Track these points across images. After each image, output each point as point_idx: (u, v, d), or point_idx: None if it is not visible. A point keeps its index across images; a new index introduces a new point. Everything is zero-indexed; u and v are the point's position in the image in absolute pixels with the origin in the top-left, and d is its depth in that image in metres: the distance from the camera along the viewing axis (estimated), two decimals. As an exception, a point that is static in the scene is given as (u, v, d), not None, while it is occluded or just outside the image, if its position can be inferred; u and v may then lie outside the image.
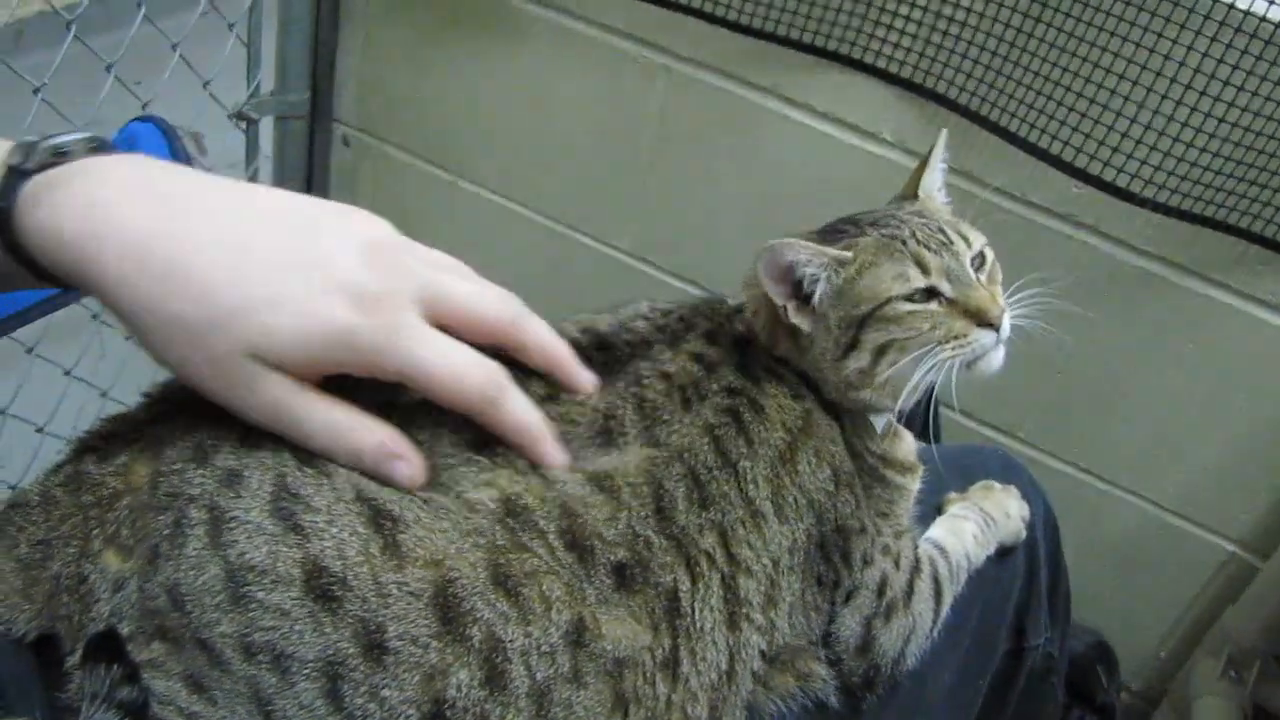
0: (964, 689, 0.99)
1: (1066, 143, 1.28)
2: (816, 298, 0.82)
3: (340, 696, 0.62)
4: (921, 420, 0.94)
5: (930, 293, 0.82)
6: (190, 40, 1.58)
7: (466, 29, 1.64)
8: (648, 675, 0.72)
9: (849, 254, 0.82)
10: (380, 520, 0.65)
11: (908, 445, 0.89)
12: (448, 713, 0.64)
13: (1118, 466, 1.44)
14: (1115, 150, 1.25)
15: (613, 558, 0.70)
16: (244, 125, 1.77)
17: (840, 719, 0.87)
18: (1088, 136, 1.26)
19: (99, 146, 0.67)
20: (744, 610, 0.76)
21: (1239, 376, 1.33)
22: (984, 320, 0.82)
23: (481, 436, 0.71)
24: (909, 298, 0.81)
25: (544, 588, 0.67)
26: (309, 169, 1.88)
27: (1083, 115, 1.26)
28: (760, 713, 0.81)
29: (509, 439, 0.69)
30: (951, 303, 0.82)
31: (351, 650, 0.62)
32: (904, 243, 0.83)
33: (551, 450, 0.71)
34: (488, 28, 1.62)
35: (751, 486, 0.77)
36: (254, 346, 0.63)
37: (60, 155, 0.65)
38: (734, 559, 0.75)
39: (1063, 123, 1.27)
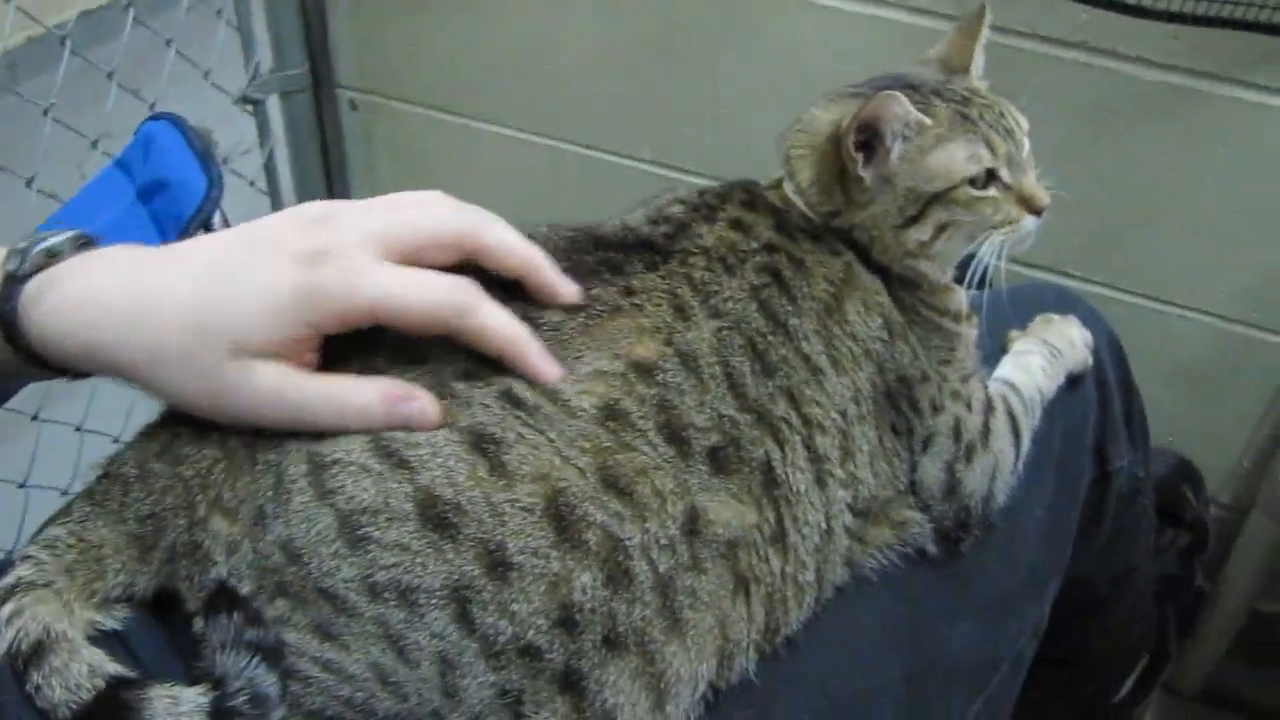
0: (1056, 520, 1.00)
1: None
2: (894, 157, 0.82)
3: (471, 619, 0.65)
4: (972, 270, 0.94)
5: (990, 175, 0.83)
6: (183, 36, 1.58)
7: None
8: (760, 552, 0.74)
9: (929, 120, 0.82)
10: (483, 445, 0.67)
11: (959, 295, 0.90)
12: (577, 616, 0.66)
13: (1174, 285, 1.44)
14: (1120, -34, 1.23)
15: (706, 443, 0.72)
16: (250, 108, 1.77)
17: (940, 564, 0.89)
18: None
19: (85, 243, 0.72)
20: (826, 467, 0.77)
21: (1277, 172, 1.32)
22: (1033, 207, 0.85)
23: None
24: (974, 181, 0.83)
25: (656, 483, 0.69)
26: (322, 139, 1.89)
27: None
28: (861, 568, 0.83)
29: (493, 350, 0.69)
30: (1007, 188, 0.84)
31: (476, 572, 0.64)
32: (975, 122, 0.84)
33: (539, 363, 0.69)
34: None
35: (805, 343, 0.79)
36: (233, 342, 0.65)
37: (52, 257, 0.70)
38: (807, 420, 0.77)
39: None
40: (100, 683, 0.64)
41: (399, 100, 1.81)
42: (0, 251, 0.72)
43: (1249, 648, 1.49)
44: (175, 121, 1.28)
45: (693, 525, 0.70)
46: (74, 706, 0.64)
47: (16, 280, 0.70)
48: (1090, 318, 1.06)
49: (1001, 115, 0.86)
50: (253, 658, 0.64)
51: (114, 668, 0.65)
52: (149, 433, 0.73)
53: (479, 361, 0.70)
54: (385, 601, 0.64)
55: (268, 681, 0.64)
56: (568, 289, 0.73)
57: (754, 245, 0.82)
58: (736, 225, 0.84)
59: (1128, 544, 1.17)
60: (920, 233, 0.84)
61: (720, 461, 0.72)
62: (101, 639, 0.68)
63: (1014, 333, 1.01)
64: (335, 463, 0.66)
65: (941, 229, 0.84)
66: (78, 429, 1.45)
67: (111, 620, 0.69)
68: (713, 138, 1.58)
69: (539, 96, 1.69)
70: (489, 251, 0.71)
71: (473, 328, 0.68)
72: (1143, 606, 1.32)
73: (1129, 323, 1.25)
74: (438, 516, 0.64)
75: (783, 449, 0.75)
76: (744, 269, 0.81)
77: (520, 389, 0.70)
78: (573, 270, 0.77)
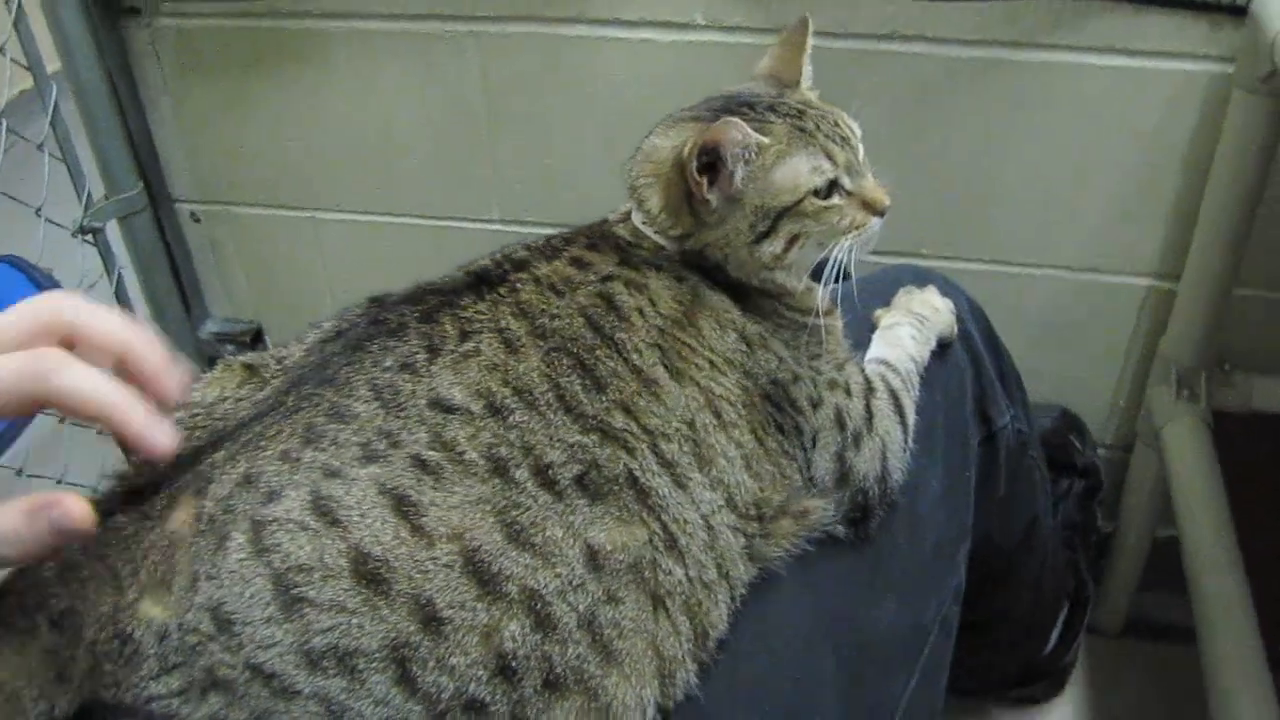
0: (953, 486, 1.03)
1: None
2: (737, 179, 0.85)
3: (413, 679, 0.65)
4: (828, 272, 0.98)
5: (833, 185, 0.87)
6: (6, 175, 1.55)
7: (269, 65, 1.63)
8: (662, 565, 0.75)
9: (767, 139, 0.85)
10: (404, 508, 0.68)
11: (817, 292, 0.93)
12: (513, 663, 0.67)
13: (1021, 247, 1.49)
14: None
15: (570, 474, 0.74)
16: (91, 238, 1.74)
17: (853, 552, 0.91)
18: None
19: None
20: (680, 471, 0.79)
21: (1097, 124, 1.38)
22: (876, 209, 0.89)
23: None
24: (819, 192, 0.86)
25: (548, 532, 0.71)
26: (169, 256, 1.85)
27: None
28: (770, 561, 0.85)
29: (92, 415, 0.61)
30: (850, 194, 0.88)
31: (411, 628, 0.65)
32: (812, 135, 0.87)
33: (144, 430, 0.61)
34: (291, 57, 1.61)
35: (636, 356, 0.81)
36: None
37: None
38: (648, 429, 0.79)
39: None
40: None
41: (239, 205, 1.79)
42: None
43: (1158, 575, 1.54)
44: (13, 262, 1.26)
45: (594, 561, 0.72)
46: None
47: None
48: (947, 286, 1.10)
49: (836, 124, 0.89)
50: None
51: None
52: None
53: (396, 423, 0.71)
54: (324, 672, 0.63)
55: None
56: (167, 382, 0.64)
57: (590, 277, 0.85)
58: (575, 262, 0.87)
59: (1026, 497, 1.21)
60: (773, 246, 0.87)
61: (590, 488, 0.74)
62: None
63: (879, 311, 1.04)
64: (274, 520, 0.66)
65: (793, 240, 0.87)
66: (58, 482, 1.49)
67: None
68: (555, 187, 1.60)
69: (377, 176, 1.69)
70: (80, 331, 0.63)
71: (55, 392, 0.60)
72: (1053, 557, 1.37)
73: (986, 290, 1.29)
74: (370, 573, 0.65)
75: (635, 458, 0.77)
76: (574, 294, 0.83)
77: (426, 453, 0.70)
78: (414, 315, 0.79)
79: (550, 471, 0.73)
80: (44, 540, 0.59)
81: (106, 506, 0.70)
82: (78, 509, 0.59)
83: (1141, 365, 1.52)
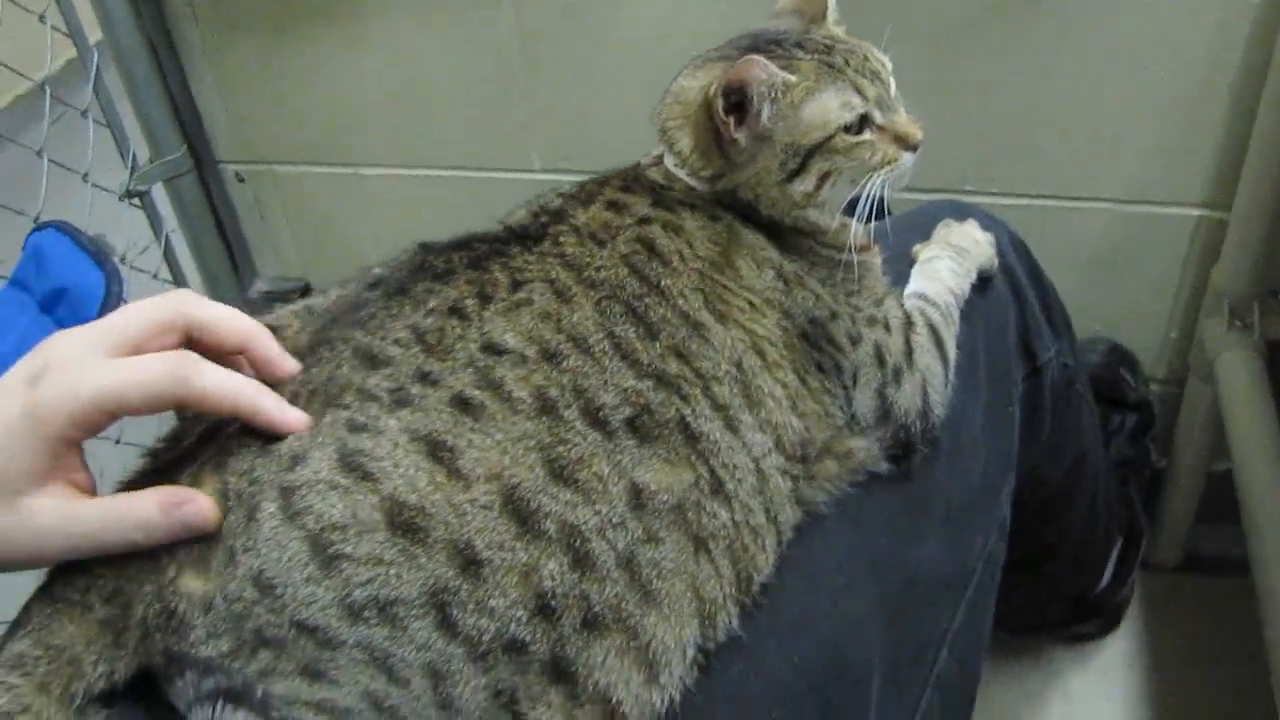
0: (997, 422, 1.02)
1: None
2: (764, 117, 0.84)
3: (453, 623, 0.65)
4: (861, 209, 0.97)
5: (864, 120, 0.85)
6: (54, 144, 1.57)
7: (305, 22, 1.63)
8: (707, 508, 0.75)
9: (794, 77, 0.84)
10: (439, 453, 0.68)
11: (853, 228, 0.92)
12: (552, 602, 0.68)
13: (1067, 179, 1.47)
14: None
15: (621, 416, 0.74)
16: (138, 202, 1.76)
17: (895, 490, 0.91)
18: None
19: None
20: (732, 414, 0.79)
21: (1145, 52, 1.35)
22: (908, 144, 0.87)
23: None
24: (849, 128, 0.85)
25: (594, 469, 0.71)
26: (216, 217, 1.88)
27: None
28: (815, 505, 0.85)
29: (226, 411, 0.69)
30: (881, 129, 0.87)
31: (450, 574, 0.66)
32: (841, 70, 0.86)
33: (274, 415, 0.69)
34: (326, 12, 1.61)
35: (682, 301, 0.81)
36: None
37: None
38: (700, 373, 0.78)
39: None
40: None
41: (283, 163, 1.81)
42: None
43: (1213, 509, 1.52)
44: (60, 227, 1.28)
45: (637, 500, 0.72)
46: None
47: None
48: (988, 220, 1.08)
49: (866, 58, 0.88)
50: (218, 704, 0.65)
51: None
52: None
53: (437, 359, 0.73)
54: (366, 622, 0.65)
55: None
56: (286, 365, 0.74)
57: (627, 221, 0.85)
58: (611, 205, 0.86)
59: (1072, 432, 1.20)
60: (804, 184, 0.86)
61: (641, 431, 0.74)
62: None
63: (918, 246, 1.03)
64: (304, 484, 0.66)
65: (824, 178, 0.86)
66: (117, 442, 1.45)
67: None
68: (595, 134, 1.60)
69: (418, 130, 1.70)
70: (204, 326, 0.72)
71: (197, 394, 0.68)
72: (1105, 492, 1.35)
73: (1033, 225, 1.27)
74: (405, 523, 0.66)
75: (689, 404, 0.77)
76: (615, 242, 0.83)
77: (470, 392, 0.71)
78: (463, 261, 0.80)
79: (601, 413, 0.73)
80: (175, 533, 0.66)
81: (140, 484, 0.72)
82: (209, 510, 0.66)
83: (1193, 297, 1.49)
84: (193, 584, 0.66)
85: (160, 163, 1.77)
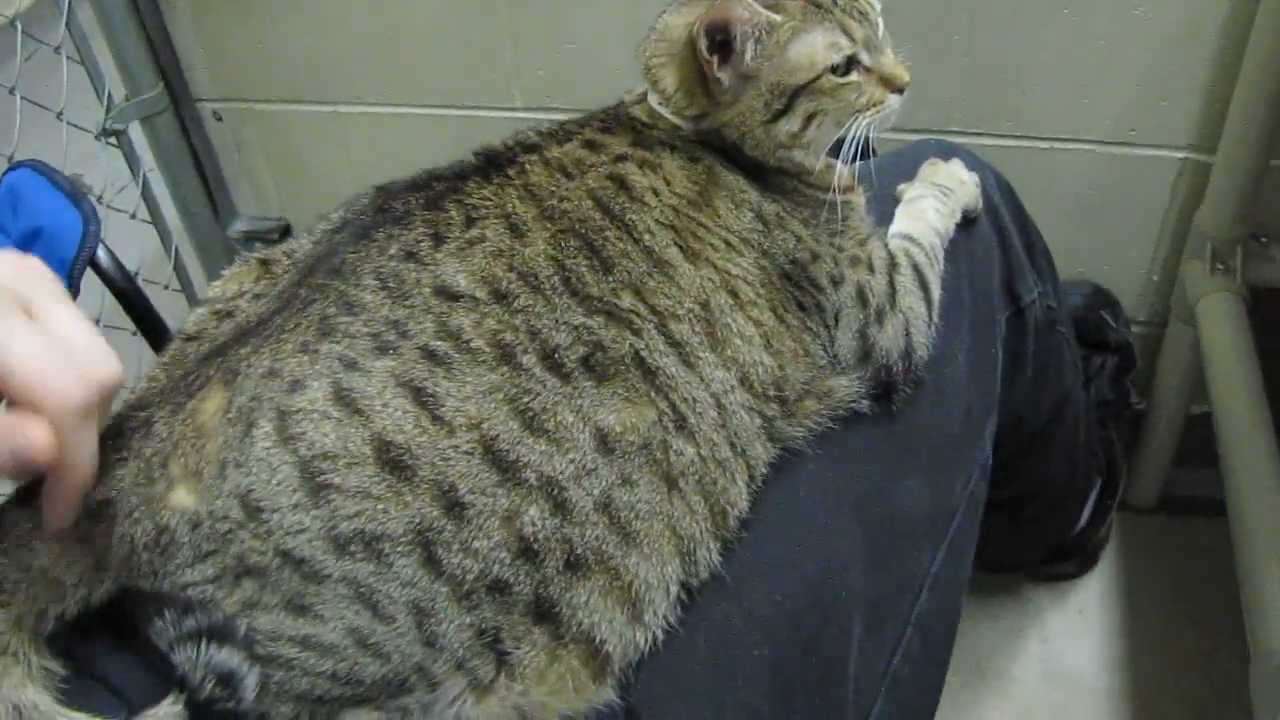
0: (979, 362, 1.03)
1: None
2: (749, 57, 0.83)
3: (438, 562, 0.66)
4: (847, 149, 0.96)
5: (851, 61, 0.85)
6: (28, 82, 1.54)
7: (283, -43, 1.61)
8: (674, 446, 0.76)
9: (779, 17, 0.83)
10: (422, 398, 0.68)
11: (837, 170, 0.91)
12: (535, 546, 0.68)
13: (1050, 121, 1.46)
14: None
15: (575, 356, 0.74)
16: (114, 141, 1.74)
17: (878, 429, 0.91)
18: None
19: None
20: (688, 351, 0.79)
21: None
22: (895, 86, 0.86)
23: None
24: (836, 69, 0.84)
25: (559, 417, 0.71)
26: (194, 156, 1.86)
27: None
28: (795, 441, 0.85)
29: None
30: (868, 71, 0.86)
31: (435, 513, 0.66)
32: (829, 10, 0.85)
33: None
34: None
35: (647, 236, 0.80)
36: None
37: None
38: (656, 310, 0.78)
39: None
40: None
41: (261, 102, 1.79)
42: None
43: (1190, 451, 1.54)
44: (35, 166, 1.26)
45: (605, 444, 0.72)
46: None
47: None
48: (974, 162, 1.08)
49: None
50: (201, 643, 0.65)
51: None
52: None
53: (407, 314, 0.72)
54: (352, 556, 0.65)
55: (227, 659, 0.65)
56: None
57: (602, 159, 0.84)
58: (588, 145, 0.86)
59: (1054, 374, 1.20)
60: (790, 124, 0.85)
61: (596, 370, 0.74)
62: (84, 689, 0.68)
63: (903, 185, 1.03)
64: (300, 411, 0.66)
65: (810, 118, 0.85)
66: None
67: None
68: (577, 72, 1.58)
69: (399, 67, 1.68)
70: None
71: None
72: (1085, 433, 1.36)
73: (1017, 166, 1.27)
74: (393, 460, 0.66)
75: (642, 338, 0.76)
76: (585, 176, 0.82)
77: (434, 343, 0.71)
78: (419, 202, 0.79)
79: (556, 355, 0.73)
80: (4, 466, 0.59)
81: (141, 402, 0.71)
82: (40, 439, 0.59)
83: (1176, 240, 1.49)
84: (184, 499, 0.66)
85: (136, 101, 1.74)
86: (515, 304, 0.74)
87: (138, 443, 0.68)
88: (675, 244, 0.81)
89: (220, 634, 0.65)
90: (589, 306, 0.76)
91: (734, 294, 0.82)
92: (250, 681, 0.66)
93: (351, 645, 0.66)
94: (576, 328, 0.74)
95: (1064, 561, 1.52)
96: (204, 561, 0.65)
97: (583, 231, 0.78)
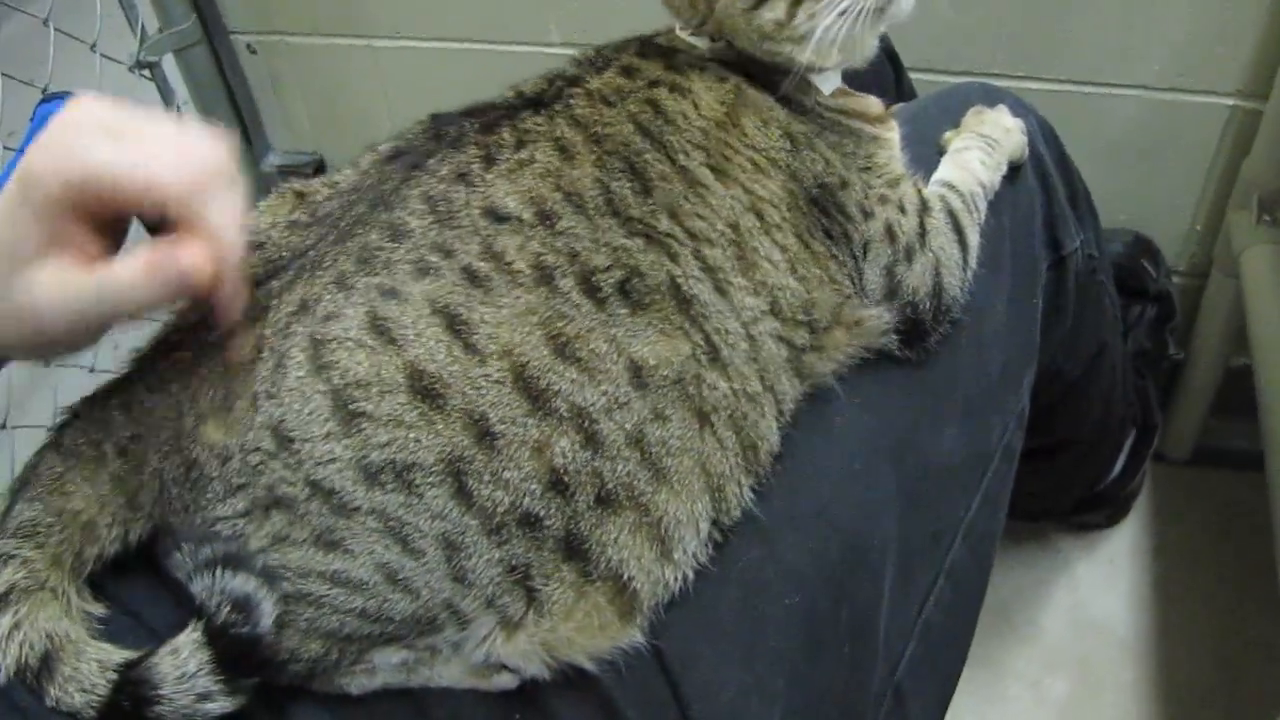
0: (1020, 311, 1.01)
1: None
2: None
3: (468, 492, 0.66)
4: (885, 81, 0.94)
5: None
6: (61, 13, 1.53)
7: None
8: (707, 380, 0.75)
9: None
10: (456, 326, 0.68)
11: (869, 100, 0.89)
12: (565, 479, 0.68)
13: (1099, 65, 1.43)
14: None
15: (613, 280, 0.73)
16: (148, 73, 1.73)
17: (915, 374, 0.90)
18: None
19: None
20: (722, 277, 0.78)
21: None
22: None
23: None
24: None
25: (592, 346, 0.71)
26: (228, 89, 1.85)
27: None
28: (823, 377, 0.84)
29: (208, 260, 0.62)
30: None
31: (466, 442, 0.66)
32: None
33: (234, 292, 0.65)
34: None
35: (682, 156, 0.80)
36: (3, 260, 0.61)
37: None
38: (691, 233, 0.77)
39: None
40: (113, 675, 0.65)
41: (295, 34, 1.77)
42: None
43: (1227, 404, 1.52)
44: (68, 99, 1.25)
45: (639, 377, 0.72)
46: (95, 706, 0.65)
47: None
48: (1019, 107, 1.05)
49: None
50: (216, 570, 0.65)
51: (120, 655, 0.66)
52: (120, 380, 0.72)
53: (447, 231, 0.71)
54: (382, 486, 0.65)
55: (242, 585, 0.65)
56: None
57: (638, 84, 0.84)
58: (625, 71, 0.85)
59: (1094, 323, 1.19)
60: (773, 11, 0.83)
61: (632, 296, 0.73)
62: (122, 627, 0.69)
63: (949, 133, 1.01)
64: (332, 339, 0.66)
65: (797, 4, 0.83)
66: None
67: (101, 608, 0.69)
68: (613, 5, 1.55)
69: (433, 1, 1.66)
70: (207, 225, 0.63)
71: (201, 220, 0.61)
72: (1122, 383, 1.35)
73: (1061, 111, 1.24)
74: (425, 389, 0.66)
75: (678, 264, 0.76)
76: (625, 102, 0.82)
77: (477, 264, 0.71)
78: (474, 126, 0.79)
79: (594, 278, 0.73)
80: (170, 283, 0.61)
81: (170, 339, 0.71)
82: (199, 255, 0.61)
83: (1222, 189, 1.46)
84: (214, 434, 0.66)
85: (170, 32, 1.73)
86: (559, 225, 0.74)
87: (167, 379, 0.68)
88: (707, 164, 0.80)
89: (234, 561, 0.66)
90: (630, 228, 0.75)
91: (760, 215, 0.81)
92: (266, 607, 0.65)
93: (381, 581, 0.66)
94: (616, 249, 0.74)
95: (1095, 511, 1.52)
96: (234, 496, 0.66)
97: (625, 154, 0.78)
